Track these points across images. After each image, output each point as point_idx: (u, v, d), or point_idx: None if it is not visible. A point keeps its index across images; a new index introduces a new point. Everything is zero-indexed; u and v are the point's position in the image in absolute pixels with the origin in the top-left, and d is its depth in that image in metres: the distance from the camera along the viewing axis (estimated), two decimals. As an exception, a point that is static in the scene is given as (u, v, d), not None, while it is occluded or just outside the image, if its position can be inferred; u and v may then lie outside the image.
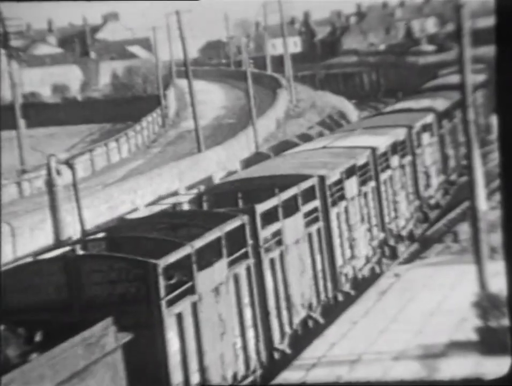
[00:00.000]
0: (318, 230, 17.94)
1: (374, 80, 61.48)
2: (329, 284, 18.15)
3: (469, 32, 15.13)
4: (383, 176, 22.29)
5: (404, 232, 23.26)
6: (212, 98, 59.36)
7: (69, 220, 24.45)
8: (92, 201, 28.59)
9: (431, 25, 65.40)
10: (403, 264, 21.88)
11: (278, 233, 16.16)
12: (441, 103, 29.61)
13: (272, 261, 15.75)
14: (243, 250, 14.68)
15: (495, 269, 16.25)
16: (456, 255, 21.45)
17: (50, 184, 22.93)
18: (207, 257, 13.72)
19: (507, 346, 13.67)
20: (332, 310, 17.72)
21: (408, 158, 24.60)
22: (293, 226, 16.67)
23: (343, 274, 18.85)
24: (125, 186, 31.30)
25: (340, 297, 18.50)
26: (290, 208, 16.90)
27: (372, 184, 21.55)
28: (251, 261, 14.88)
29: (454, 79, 35.68)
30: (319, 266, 17.83)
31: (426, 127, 26.79)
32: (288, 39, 59.69)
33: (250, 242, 14.89)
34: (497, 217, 24.89)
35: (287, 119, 49.88)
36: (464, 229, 23.76)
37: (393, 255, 21.97)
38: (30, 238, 25.24)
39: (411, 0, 68.35)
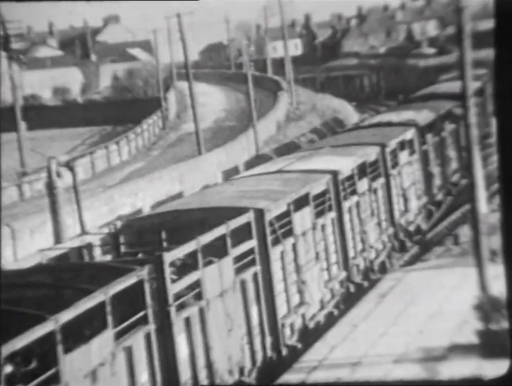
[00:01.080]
0: (255, 276, 15.21)
1: (374, 83, 61.49)
2: (269, 340, 15.49)
3: (470, 35, 15.12)
4: (347, 204, 19.75)
5: (375, 265, 20.79)
6: (213, 101, 59.36)
7: (69, 223, 24.42)
8: (93, 204, 28.58)
9: (432, 28, 65.40)
10: (404, 266, 21.85)
11: (196, 285, 13.49)
12: (425, 116, 27.41)
13: (187, 322, 13.08)
14: (140, 314, 12.06)
15: (496, 272, 16.24)
16: (457, 258, 21.44)
17: (50, 187, 22.92)
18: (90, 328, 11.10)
19: (508, 348, 13.66)
20: (275, 370, 15.07)
21: (380, 181, 22.17)
22: (217, 274, 13.97)
23: (288, 326, 16.17)
24: (125, 188, 31.28)
25: (284, 352, 16.02)
26: (220, 250, 14.36)
27: (332, 214, 18.91)
28: (151, 327, 12.18)
29: (449, 86, 33.98)
30: (255, 320, 15.14)
31: (404, 144, 24.41)
32: (289, 41, 59.70)
33: (151, 302, 12.22)
34: (498, 220, 24.91)
35: (287, 121, 49.88)
36: (465, 232, 23.75)
37: (359, 292, 19.08)
38: (31, 241, 25.23)
39: (412, 2, 68.37)
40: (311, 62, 67.93)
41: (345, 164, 20.25)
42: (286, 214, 16.73)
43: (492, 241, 21.10)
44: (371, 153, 21.95)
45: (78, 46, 70.08)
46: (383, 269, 21.11)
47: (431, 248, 23.29)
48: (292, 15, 71.08)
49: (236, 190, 18.01)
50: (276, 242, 16.12)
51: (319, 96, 57.14)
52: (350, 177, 20.12)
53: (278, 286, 15.94)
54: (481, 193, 15.46)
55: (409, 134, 25.07)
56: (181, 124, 53.77)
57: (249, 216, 15.33)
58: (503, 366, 13.36)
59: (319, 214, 18.23)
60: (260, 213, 15.66)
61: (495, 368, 13.40)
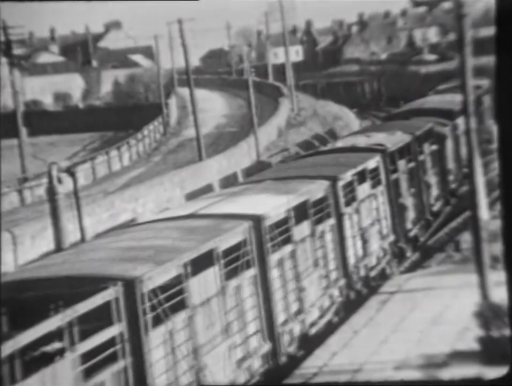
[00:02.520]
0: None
1: (375, 89, 61.50)
2: None
3: (471, 42, 15.13)
4: (277, 256, 16.13)
5: (312, 330, 16.99)
6: (214, 107, 59.39)
7: (70, 228, 24.41)
8: (94, 209, 28.58)
9: (433, 34, 65.45)
10: (405, 273, 21.83)
11: None
12: (397, 138, 24.28)
13: None
14: None
15: (497, 279, 16.23)
16: (458, 264, 21.41)
17: (51, 192, 22.91)
18: None
19: (509, 355, 13.64)
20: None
21: (329, 223, 18.70)
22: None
23: None
24: (126, 194, 31.28)
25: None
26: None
27: (250, 272, 15.23)
28: None
29: (437, 100, 32.77)
30: None
31: (365, 174, 21.13)
32: (290, 48, 59.75)
33: None
34: (499, 226, 24.90)
35: (288, 128, 49.89)
36: (466, 239, 23.71)
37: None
38: (32, 247, 25.22)
39: (413, 9, 68.44)
40: (312, 68, 67.98)
41: (278, 205, 16.69)
42: (175, 283, 12.75)
43: (494, 248, 21.10)
44: (317, 190, 18.42)
45: (80, 52, 70.15)
46: (329, 330, 17.16)
47: (432, 255, 23.27)
48: (293, 22, 71.17)
49: (119, 246, 13.96)
50: (157, 322, 12.24)
51: (320, 103, 57.16)
52: (283, 221, 16.47)
53: None
54: (482, 200, 15.44)
55: (374, 162, 21.81)
56: (182, 130, 53.79)
57: (111, 293, 11.42)
58: (503, 373, 13.35)
59: (231, 274, 14.46)
60: (130, 286, 11.68)
61: (495, 375, 13.38)
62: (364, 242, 20.40)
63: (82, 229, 24.20)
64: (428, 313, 16.83)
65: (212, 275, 14.01)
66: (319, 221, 18.22)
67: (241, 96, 58.18)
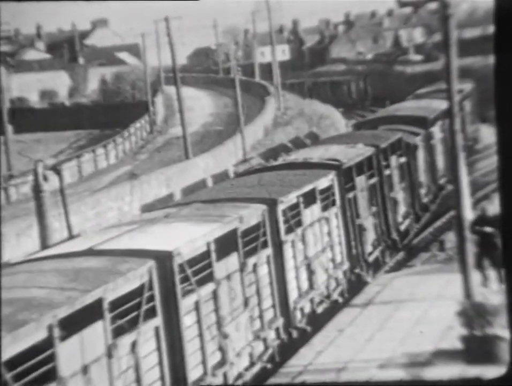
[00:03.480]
0: None
1: (361, 89, 61.64)
2: None
3: (456, 42, 15.24)
4: (192, 299, 13.56)
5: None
6: (201, 105, 59.37)
7: (56, 226, 24.38)
8: (80, 207, 28.54)
9: (418, 35, 65.69)
10: (389, 272, 21.93)
11: None
12: (358, 152, 22.10)
13: None
14: None
15: (481, 278, 16.39)
16: (442, 264, 21.54)
17: (36, 190, 22.87)
18: None
19: (492, 354, 13.77)
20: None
21: (265, 254, 16.26)
22: None
23: None
24: (112, 192, 31.25)
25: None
26: None
27: (155, 322, 12.62)
28: None
29: (412, 107, 31.38)
30: None
31: (315, 195, 18.76)
32: (276, 47, 59.81)
33: None
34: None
35: (275, 127, 49.95)
36: (450, 238, 23.85)
37: None
38: (17, 245, 25.17)
39: (399, 10, 68.64)
40: (299, 67, 68.07)
41: (197, 236, 14.15)
42: (44, 347, 10.48)
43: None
44: (250, 216, 15.89)
45: (66, 49, 69.95)
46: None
47: (417, 254, 23.39)
48: (280, 21, 71.22)
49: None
50: None
51: (306, 102, 57.24)
52: (203, 257, 14.06)
53: None
54: (467, 200, 15.56)
55: (326, 180, 19.49)
56: (168, 128, 53.76)
57: None
58: (487, 372, 13.48)
59: (117, 332, 11.86)
60: None
61: (478, 374, 13.50)
62: (311, 272, 17.99)
63: (68, 227, 24.18)
64: (412, 312, 16.94)
65: (97, 334, 11.48)
66: (252, 252, 15.67)
67: (228, 95, 58.19)
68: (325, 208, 19.24)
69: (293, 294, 17.18)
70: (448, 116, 30.82)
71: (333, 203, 19.76)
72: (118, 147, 47.02)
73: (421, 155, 27.63)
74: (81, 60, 69.43)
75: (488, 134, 39.87)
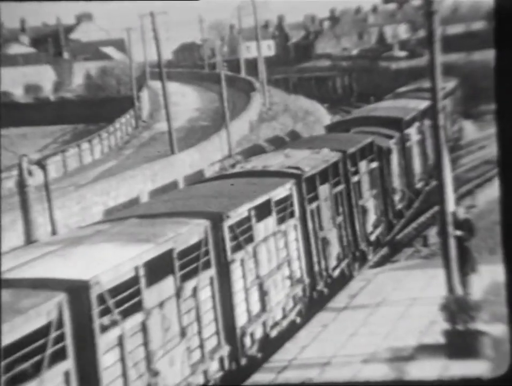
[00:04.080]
0: None
1: (346, 85, 61.76)
2: None
3: (440, 39, 15.32)
4: (110, 336, 11.62)
5: None
6: (186, 101, 59.32)
7: (40, 221, 24.34)
8: (64, 202, 28.50)
9: (403, 31, 65.89)
10: (373, 267, 22.01)
11: None
12: (322, 158, 20.59)
13: None
14: None
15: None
16: (426, 259, 21.66)
17: (21, 185, 22.82)
18: None
19: (474, 349, 13.88)
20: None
21: (208, 275, 14.52)
22: None
23: None
24: (97, 187, 31.21)
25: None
26: None
27: (64, 365, 10.91)
28: None
29: (390, 107, 30.34)
30: None
31: (270, 207, 17.00)
32: (262, 42, 59.83)
33: None
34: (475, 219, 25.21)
35: (260, 122, 49.99)
36: (434, 233, 23.97)
37: None
38: (1, 239, 25.09)
39: (384, 6, 68.80)
40: (284, 63, 68.10)
41: (124, 260, 12.34)
42: None
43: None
44: (189, 234, 14.09)
45: (51, 43, 69.67)
46: None
47: (401, 249, 23.49)
48: (266, 16, 71.22)
49: None
50: None
51: (292, 97, 57.30)
52: (129, 284, 12.26)
53: None
54: (450, 195, 15.66)
55: (284, 190, 17.88)
56: (154, 123, 53.69)
57: None
58: (469, 367, 13.60)
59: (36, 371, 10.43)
60: None
61: (461, 368, 13.62)
62: (264, 293, 16.28)
63: (52, 222, 24.13)
64: (396, 307, 17.04)
65: None
66: (192, 275, 13.97)
67: (214, 90, 58.17)
68: (282, 221, 17.51)
69: (241, 319, 15.37)
70: (427, 114, 30.67)
71: (292, 214, 18.15)
72: (103, 142, 46.94)
73: (395, 158, 26.43)
74: (66, 55, 69.18)
75: (471, 131, 40.03)
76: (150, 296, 12.77)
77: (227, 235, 15.23)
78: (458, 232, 16.26)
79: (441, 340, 14.42)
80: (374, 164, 23.99)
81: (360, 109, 34.40)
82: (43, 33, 70.96)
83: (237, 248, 15.60)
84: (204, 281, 14.50)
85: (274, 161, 20.20)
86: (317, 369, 14.28)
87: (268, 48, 70.48)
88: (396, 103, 32.53)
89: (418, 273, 19.04)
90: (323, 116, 52.44)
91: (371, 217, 23.16)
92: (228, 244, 15.25)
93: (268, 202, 17.07)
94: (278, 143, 40.06)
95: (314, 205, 19.24)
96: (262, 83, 56.19)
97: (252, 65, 61.61)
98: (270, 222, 17.05)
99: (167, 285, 13.33)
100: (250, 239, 16.09)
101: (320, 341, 15.80)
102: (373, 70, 60.69)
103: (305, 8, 72.80)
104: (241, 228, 15.77)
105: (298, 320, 17.48)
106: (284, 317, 17.19)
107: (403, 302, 17.31)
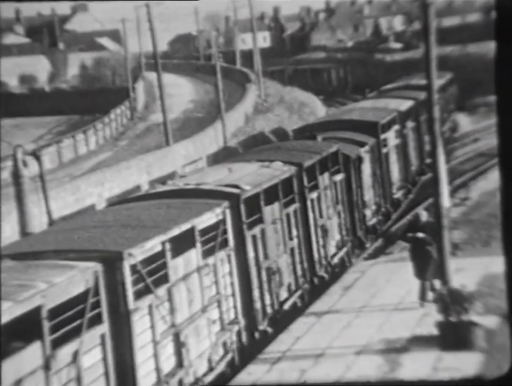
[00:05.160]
0: None
1: (341, 77, 61.74)
2: None
3: (435, 31, 15.35)
4: None
5: None
6: (181, 92, 59.26)
7: (35, 212, 24.33)
8: (59, 193, 28.48)
9: (398, 23, 65.88)
10: (367, 259, 22.05)
11: None
12: (274, 172, 17.72)
13: None
14: None
15: (457, 266, 16.58)
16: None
17: (16, 176, 22.80)
18: None
19: (467, 340, 13.96)
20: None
21: (98, 333, 11.61)
22: None
23: None
24: (92, 178, 31.19)
25: None
26: None
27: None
28: None
29: (367, 107, 28.07)
30: None
31: (194, 237, 13.92)
32: (257, 34, 59.76)
33: None
34: (460, 214, 25.32)
35: (256, 114, 49.97)
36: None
37: None
38: (-4, 230, 25.07)
39: (379, -3, 68.78)
40: (279, 55, 68.04)
41: None
42: None
43: (454, 235, 21.46)
44: (67, 285, 11.01)
45: (46, 34, 69.49)
46: None
47: (395, 241, 23.53)
48: (261, 8, 71.15)
49: None
50: None
51: (287, 89, 57.29)
52: None
53: None
54: (444, 188, 15.71)
55: (213, 214, 14.73)
56: (149, 114, 53.63)
57: None
58: (462, 358, 13.67)
59: None
60: None
61: (454, 360, 13.69)
62: (181, 345, 13.33)
63: (48, 213, 24.14)
64: (389, 299, 17.10)
65: None
66: (74, 335, 11.06)
67: (209, 82, 58.10)
68: (210, 253, 14.49)
69: (147, 381, 12.42)
70: (411, 115, 29.74)
71: (225, 244, 15.06)
72: (98, 133, 46.88)
73: (367, 168, 23.88)
74: (61, 45, 69.02)
75: (466, 123, 40.05)
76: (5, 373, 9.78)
77: (128, 278, 12.03)
78: (420, 235, 16.13)
79: (434, 331, 14.49)
80: (339, 177, 21.34)
81: (333, 112, 31.89)
82: (38, 23, 70.76)
83: (145, 292, 12.54)
84: (91, 342, 11.40)
85: (214, 176, 17.20)
86: (311, 361, 14.34)
87: (264, 40, 70.41)
88: (376, 103, 30.26)
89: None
90: (318, 107, 52.46)
91: (334, 238, 20.54)
92: (130, 290, 12.09)
93: (191, 231, 13.89)
94: (281, 134, 39.22)
95: (257, 230, 16.23)
96: (257, 75, 56.15)
97: (247, 56, 61.55)
98: (193, 256, 13.92)
99: (35, 353, 10.36)
100: (164, 279, 13.08)
101: (314, 332, 15.87)
102: (368, 62, 60.68)
103: (300, 0, 72.70)
104: (151, 266, 12.72)
105: (228, 371, 14.71)
106: (211, 369, 14.32)
107: (396, 293, 17.38)
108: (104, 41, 69.34)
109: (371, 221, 23.79)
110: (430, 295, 15.98)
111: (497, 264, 17.59)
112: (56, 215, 25.67)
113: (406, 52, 58.71)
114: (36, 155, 24.20)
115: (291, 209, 18.11)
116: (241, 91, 54.24)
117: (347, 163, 22.09)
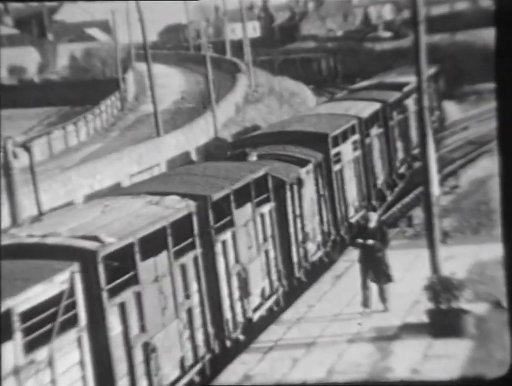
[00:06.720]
0: None
1: (331, 66, 61.76)
2: None
3: (424, 19, 15.38)
4: None
5: None
6: (172, 82, 59.17)
7: (26, 204, 24.31)
8: (50, 185, 28.45)
9: (387, 12, 65.88)
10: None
11: None
12: (163, 212, 13.55)
13: None
14: None
15: (447, 254, 16.67)
16: (410, 239, 21.79)
17: (6, 167, 22.78)
18: None
19: (457, 327, 14.06)
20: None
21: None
22: None
23: None
24: (83, 170, 31.16)
25: None
26: None
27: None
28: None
29: (324, 111, 24.21)
30: None
31: (10, 322, 9.98)
32: (247, 24, 59.69)
33: None
34: (450, 202, 25.45)
35: (246, 104, 49.97)
36: (418, 214, 24.12)
37: None
38: (-13, 222, 25.04)
39: (369, -14, 68.72)
40: (269, 44, 67.98)
41: None
42: None
43: (444, 223, 21.55)
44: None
45: (35, 24, 69.20)
46: None
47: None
48: (251, -3, 71.00)
49: None
50: None
51: (277, 79, 57.27)
52: None
53: None
54: (434, 176, 15.77)
55: (51, 285, 10.68)
56: (139, 105, 53.55)
57: None
58: (451, 346, 13.78)
59: None
60: None
61: (444, 347, 13.79)
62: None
63: (38, 205, 24.13)
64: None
65: None
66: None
67: (199, 72, 58.05)
68: (44, 340, 10.51)
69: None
70: (378, 120, 28.79)
71: (73, 324, 11.07)
72: (89, 124, 46.80)
73: (308, 193, 19.53)
74: (50, 36, 68.78)
75: (454, 111, 40.16)
76: None
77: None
78: (370, 242, 15.71)
79: (424, 319, 14.58)
80: (267, 208, 17.10)
81: (281, 121, 26.48)
82: (26, 14, 70.46)
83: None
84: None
85: (75, 220, 12.92)
86: (303, 349, 14.42)
87: (253, 29, 70.33)
88: (335, 107, 25.78)
89: (403, 254, 19.17)
90: (308, 97, 52.47)
91: (258, 285, 16.57)
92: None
93: (6, 315, 9.96)
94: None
95: (127, 295, 12.06)
96: (247, 65, 56.12)
97: (237, 46, 61.48)
98: (9, 350, 9.98)
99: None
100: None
101: (306, 321, 15.94)
102: (357, 51, 60.68)
103: (290, -11, 72.57)
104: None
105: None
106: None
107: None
108: (94, 32, 69.13)
109: (316, 255, 19.74)
110: (373, 302, 15.74)
111: (487, 251, 17.72)
112: (47, 207, 25.67)
113: (395, 41, 58.75)
114: (26, 146, 24.15)
115: (188, 258, 13.97)
116: (232, 81, 54.21)
117: (281, 189, 17.97)
